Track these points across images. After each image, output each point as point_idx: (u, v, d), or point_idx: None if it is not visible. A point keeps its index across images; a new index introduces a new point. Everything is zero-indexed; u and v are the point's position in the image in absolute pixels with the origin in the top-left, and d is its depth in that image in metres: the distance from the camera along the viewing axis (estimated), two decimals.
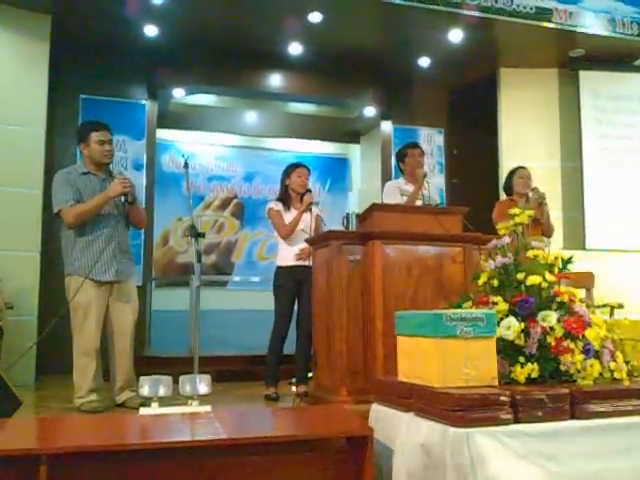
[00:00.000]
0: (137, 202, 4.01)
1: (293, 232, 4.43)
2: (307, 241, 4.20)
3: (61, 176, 3.91)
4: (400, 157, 4.82)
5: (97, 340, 3.78)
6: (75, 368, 3.77)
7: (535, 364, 2.36)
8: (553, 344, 2.39)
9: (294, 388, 4.33)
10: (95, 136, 3.90)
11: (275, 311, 4.43)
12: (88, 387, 3.73)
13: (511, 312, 2.47)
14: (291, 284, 4.38)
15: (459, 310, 2.42)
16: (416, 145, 4.90)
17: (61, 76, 5.92)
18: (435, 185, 6.86)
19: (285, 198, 4.56)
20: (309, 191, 4.54)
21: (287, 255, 4.44)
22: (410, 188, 4.55)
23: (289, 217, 4.47)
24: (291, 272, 4.39)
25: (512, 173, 4.90)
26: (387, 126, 7.28)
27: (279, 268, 4.49)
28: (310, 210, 4.45)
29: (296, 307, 4.45)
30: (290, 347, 4.45)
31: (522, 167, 4.90)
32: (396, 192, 4.55)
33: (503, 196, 5.10)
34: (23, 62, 5.52)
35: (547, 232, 4.64)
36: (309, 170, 4.65)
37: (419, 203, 4.47)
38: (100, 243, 3.81)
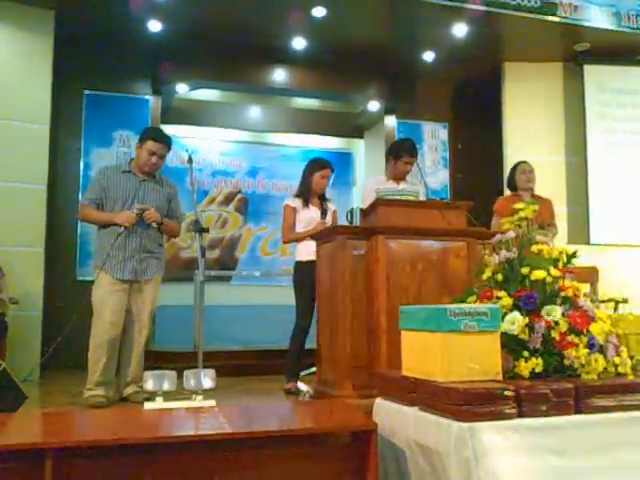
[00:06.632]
0: (164, 223, 4.00)
1: (292, 242, 4.54)
2: (312, 237, 4.19)
3: (97, 174, 4.07)
4: (393, 154, 4.60)
5: (111, 334, 3.79)
6: (89, 359, 3.81)
7: (539, 359, 2.35)
8: (557, 339, 2.38)
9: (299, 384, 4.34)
10: (150, 144, 3.94)
11: (297, 306, 4.39)
12: (95, 380, 3.76)
13: (515, 307, 2.47)
14: (312, 278, 4.25)
15: (463, 305, 2.41)
16: (411, 153, 4.54)
17: (65, 72, 5.91)
18: (439, 179, 6.86)
19: (305, 194, 4.54)
20: (327, 200, 4.61)
21: (306, 249, 4.34)
22: (390, 185, 4.55)
23: (305, 214, 4.47)
24: (311, 266, 4.24)
25: (514, 169, 4.87)
26: (391, 121, 7.25)
27: (299, 263, 4.45)
28: (325, 213, 4.49)
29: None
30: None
31: (523, 162, 4.87)
32: (372, 194, 4.38)
33: (508, 191, 5.08)
34: (27, 58, 5.53)
35: None
36: (333, 170, 4.64)
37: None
38: (116, 241, 3.82)
